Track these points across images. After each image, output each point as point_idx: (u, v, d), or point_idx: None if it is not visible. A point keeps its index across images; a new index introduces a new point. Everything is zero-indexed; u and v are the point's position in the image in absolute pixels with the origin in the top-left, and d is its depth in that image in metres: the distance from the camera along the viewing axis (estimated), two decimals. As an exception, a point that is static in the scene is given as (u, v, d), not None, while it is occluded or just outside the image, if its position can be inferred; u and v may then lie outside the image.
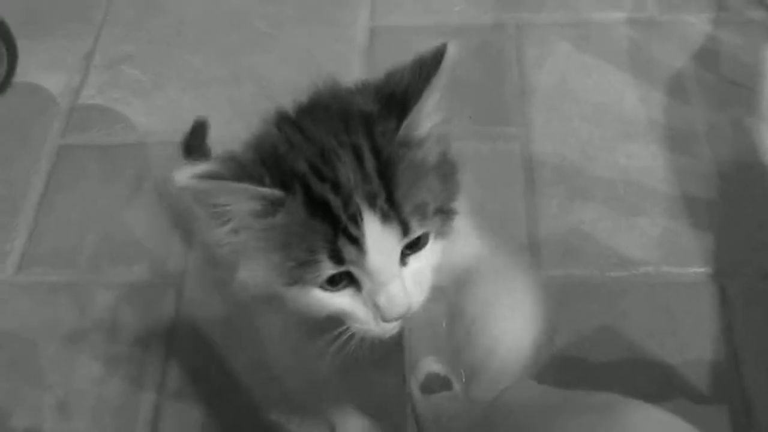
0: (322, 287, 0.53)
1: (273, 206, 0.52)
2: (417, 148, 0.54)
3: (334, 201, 0.51)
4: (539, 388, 0.49)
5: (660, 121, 1.29)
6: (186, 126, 1.14)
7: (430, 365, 0.52)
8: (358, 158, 0.52)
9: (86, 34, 1.49)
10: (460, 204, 0.58)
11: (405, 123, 0.52)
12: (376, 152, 0.52)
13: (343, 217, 0.51)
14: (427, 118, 0.54)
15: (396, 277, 0.53)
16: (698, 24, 1.42)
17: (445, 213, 0.55)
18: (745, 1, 1.45)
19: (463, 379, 0.54)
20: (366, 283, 0.53)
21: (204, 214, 0.52)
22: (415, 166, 0.53)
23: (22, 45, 1.41)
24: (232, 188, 0.50)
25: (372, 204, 0.51)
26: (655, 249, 1.15)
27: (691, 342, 1.07)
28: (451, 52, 0.51)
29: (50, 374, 1.09)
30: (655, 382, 1.04)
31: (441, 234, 0.55)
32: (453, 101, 1.32)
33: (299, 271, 0.52)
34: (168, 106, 1.36)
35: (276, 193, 0.51)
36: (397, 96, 0.53)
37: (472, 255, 0.64)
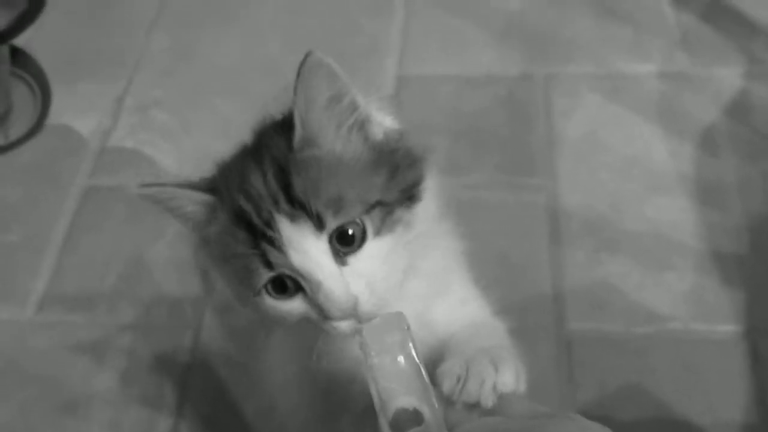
0: (270, 294, 0.57)
1: (212, 213, 0.59)
2: (318, 145, 0.57)
3: (247, 207, 0.56)
4: (499, 421, 0.47)
5: (690, 174, 1.27)
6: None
7: (398, 400, 0.50)
8: (262, 170, 0.57)
9: (119, 78, 1.52)
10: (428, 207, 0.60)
11: (294, 132, 0.57)
12: (274, 161, 0.57)
13: (257, 222, 0.55)
14: (320, 115, 0.57)
15: (332, 275, 0.55)
16: (729, 77, 1.40)
17: (388, 206, 0.57)
18: (777, 54, 1.44)
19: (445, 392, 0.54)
20: (306, 285, 0.56)
21: (173, 217, 0.61)
22: (321, 162, 0.56)
23: (57, 89, 1.44)
24: (170, 192, 0.59)
25: (277, 208, 0.55)
26: (684, 305, 1.12)
27: (722, 402, 1.03)
28: (313, 59, 0.55)
29: (66, 415, 1.08)
30: (684, 444, 1.01)
31: (386, 229, 0.57)
32: (478, 150, 1.33)
33: (246, 280, 0.57)
34: (196, 152, 1.37)
35: (205, 196, 0.59)
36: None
37: (464, 322, 0.65)
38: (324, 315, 0.55)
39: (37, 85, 1.41)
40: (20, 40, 1.36)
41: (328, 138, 0.57)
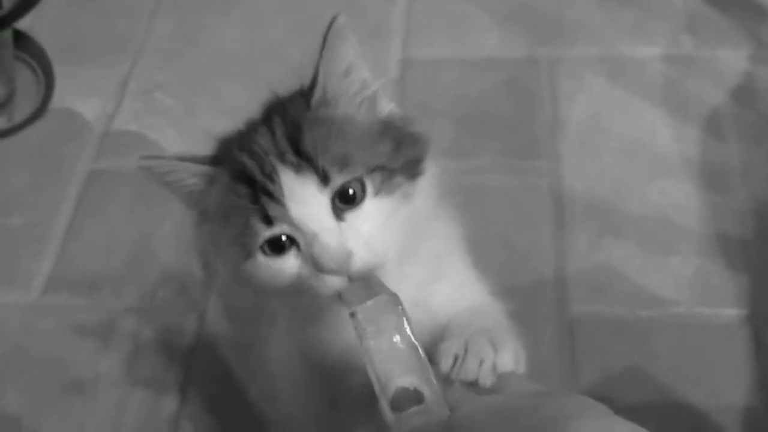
0: (266, 253, 0.57)
1: (212, 182, 0.60)
2: (333, 107, 0.59)
3: (249, 163, 0.57)
4: (499, 398, 0.47)
5: (694, 158, 1.27)
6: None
7: (398, 379, 0.50)
8: (271, 129, 0.58)
9: (123, 63, 1.52)
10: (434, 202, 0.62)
11: (314, 92, 0.58)
12: (287, 120, 0.58)
13: (259, 177, 0.56)
14: (339, 80, 0.59)
15: (329, 227, 0.55)
16: (735, 61, 1.39)
17: (389, 171, 0.58)
18: (783, 37, 1.43)
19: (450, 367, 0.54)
20: (301, 239, 0.56)
21: (170, 192, 0.61)
22: (334, 122, 0.58)
23: (60, 72, 1.44)
24: (171, 164, 0.59)
25: (282, 160, 0.56)
26: (688, 289, 1.12)
27: (725, 386, 1.04)
28: (340, 21, 0.57)
29: (72, 397, 1.09)
30: (686, 428, 1.01)
31: (385, 191, 0.57)
32: (482, 134, 1.33)
33: (243, 239, 0.57)
34: (200, 135, 1.36)
35: (205, 168, 0.59)
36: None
37: (463, 305, 0.65)
38: (317, 268, 0.55)
39: (40, 69, 1.41)
40: (23, 24, 1.35)
41: (344, 102, 0.59)
